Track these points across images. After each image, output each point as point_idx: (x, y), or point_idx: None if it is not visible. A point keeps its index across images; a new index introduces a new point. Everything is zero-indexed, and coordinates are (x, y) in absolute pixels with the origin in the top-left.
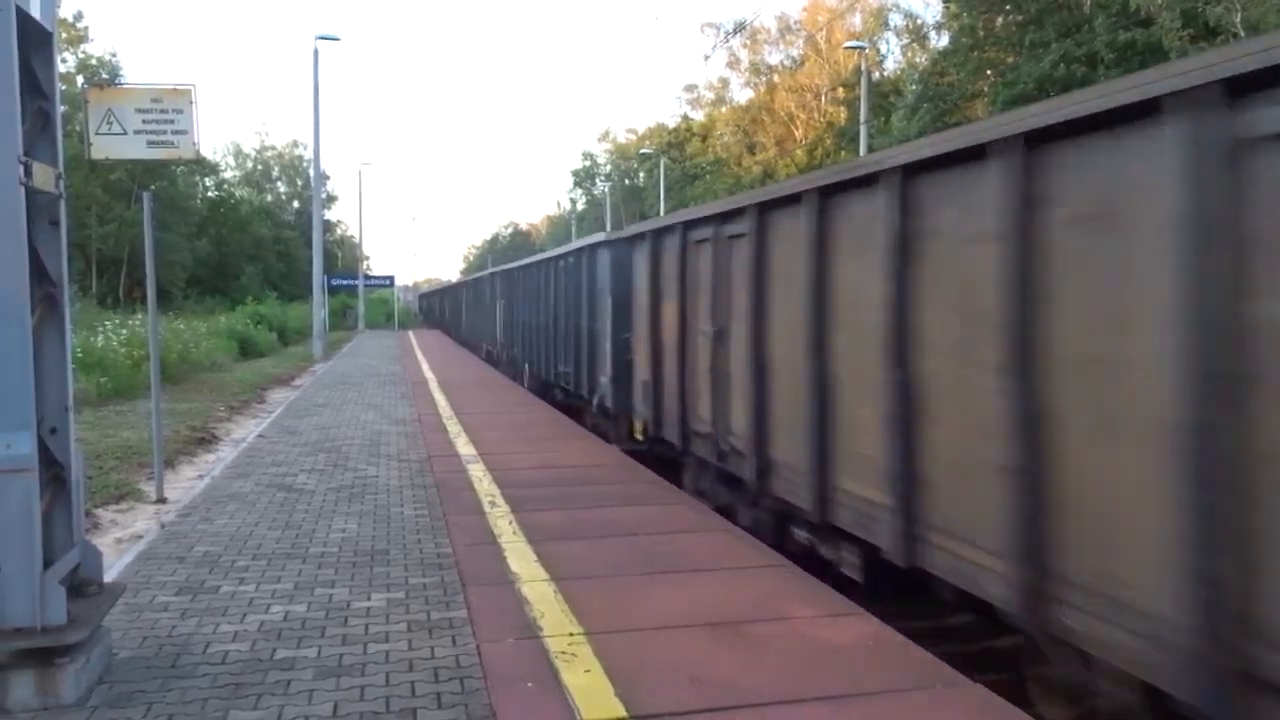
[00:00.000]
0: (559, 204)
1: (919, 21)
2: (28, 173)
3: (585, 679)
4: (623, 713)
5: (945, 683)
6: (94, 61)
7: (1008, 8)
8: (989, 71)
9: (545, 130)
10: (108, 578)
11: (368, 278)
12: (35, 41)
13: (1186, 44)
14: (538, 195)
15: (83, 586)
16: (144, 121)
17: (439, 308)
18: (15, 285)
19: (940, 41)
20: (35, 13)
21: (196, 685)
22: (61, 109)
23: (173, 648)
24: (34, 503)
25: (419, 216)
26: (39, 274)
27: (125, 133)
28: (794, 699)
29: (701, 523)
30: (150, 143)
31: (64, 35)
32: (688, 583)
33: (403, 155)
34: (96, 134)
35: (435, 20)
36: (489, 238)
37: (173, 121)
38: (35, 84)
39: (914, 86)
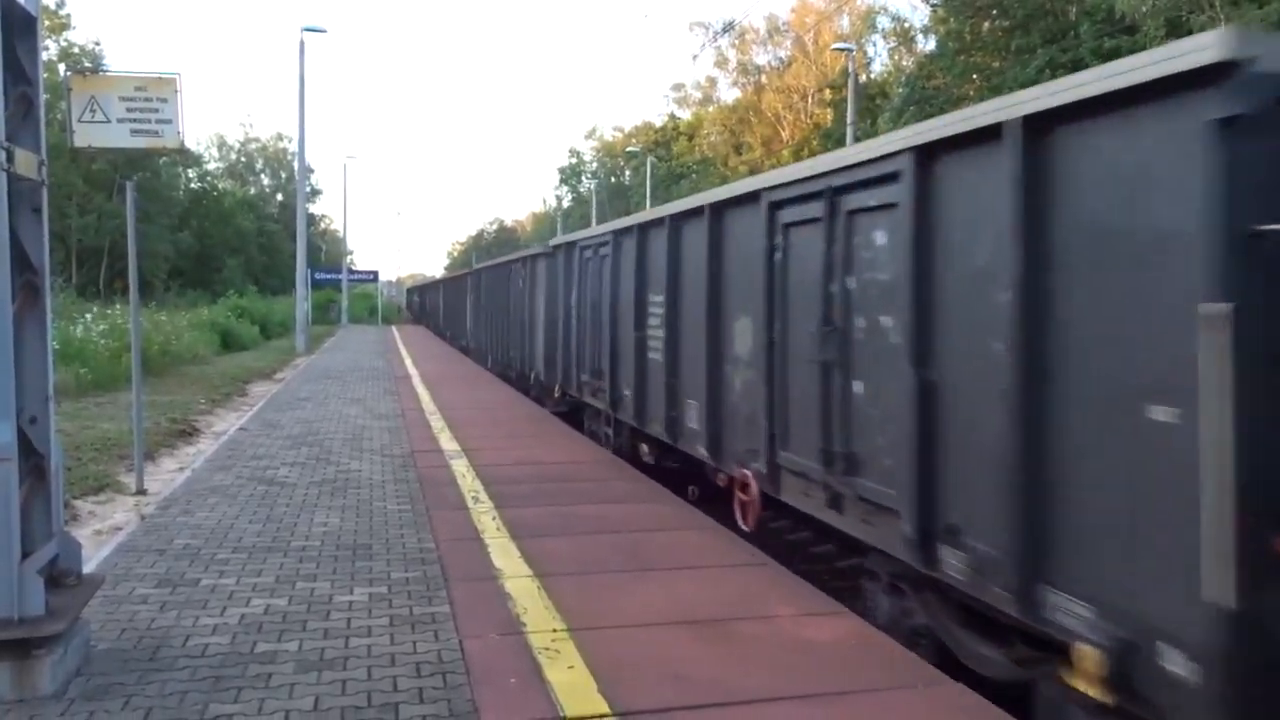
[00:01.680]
0: (545, 201)
1: (906, 25)
2: (10, 159)
3: (568, 675)
4: (606, 709)
5: (927, 681)
6: (76, 49)
7: (994, 13)
8: (975, 76)
9: (532, 127)
10: (86, 569)
11: (351, 272)
12: (19, 25)
13: None
14: (523, 192)
15: (61, 578)
16: (128, 110)
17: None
18: None
19: (927, 45)
20: None
21: (175, 678)
22: (43, 96)
23: (152, 640)
24: (12, 492)
25: (403, 212)
26: (20, 262)
27: (109, 121)
28: (777, 697)
29: (684, 521)
30: (134, 131)
31: (46, 22)
32: (671, 580)
33: (388, 150)
34: (79, 122)
35: (423, 14)
36: (474, 234)
37: (157, 110)
38: (18, 69)
39: (901, 89)
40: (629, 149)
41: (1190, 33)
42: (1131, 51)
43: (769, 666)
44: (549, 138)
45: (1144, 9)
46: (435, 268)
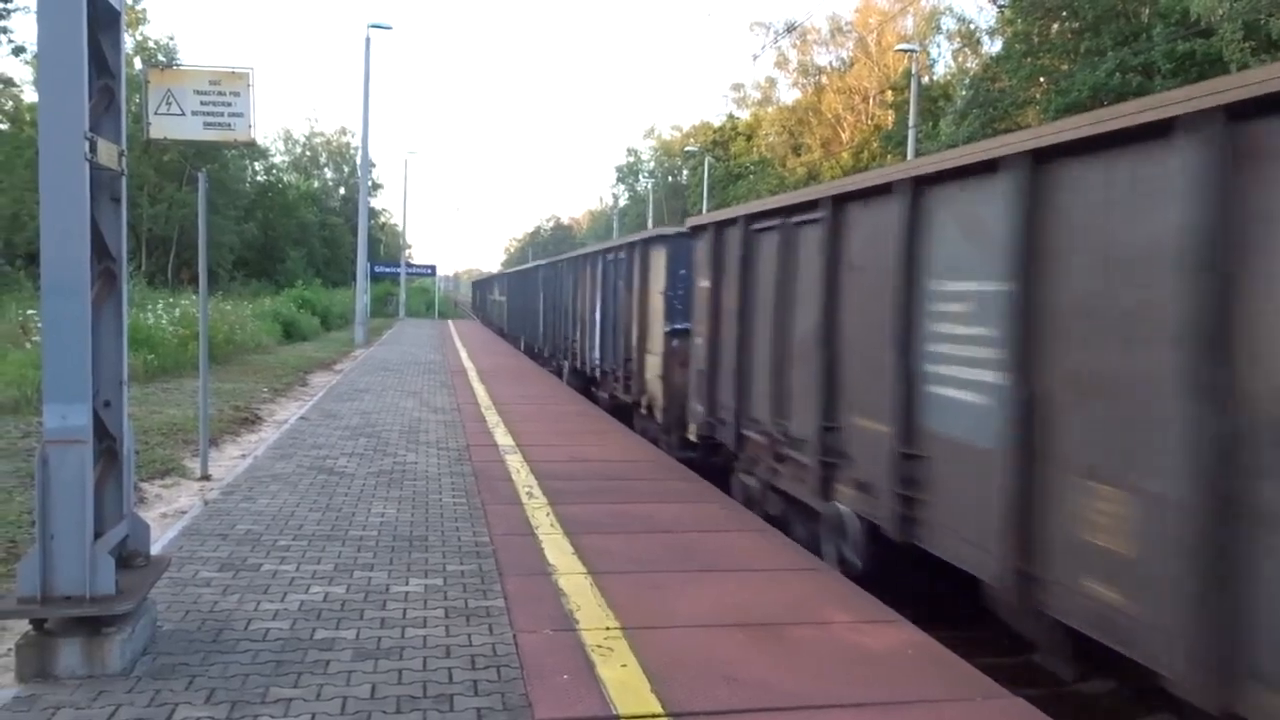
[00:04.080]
0: (601, 199)
1: (971, 26)
2: (92, 149)
3: (621, 674)
4: (659, 709)
5: (985, 694)
6: (151, 44)
7: (1064, 14)
8: (1042, 79)
9: (590, 125)
10: (153, 551)
11: (410, 266)
12: (103, 20)
13: (1248, 56)
14: (580, 190)
15: (130, 558)
16: (202, 103)
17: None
18: (77, 259)
19: (993, 47)
20: None
21: (238, 660)
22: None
23: (215, 623)
24: (87, 474)
25: (462, 207)
26: (99, 249)
27: (183, 114)
28: (831, 704)
29: (737, 522)
30: (207, 124)
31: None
32: (724, 582)
33: (448, 145)
34: (155, 114)
35: (485, 12)
36: (530, 231)
37: (230, 104)
38: (102, 62)
39: (964, 92)
40: (687, 148)
41: (1269, 36)
42: (1206, 55)
43: (822, 673)
44: (607, 136)
45: (1220, 11)
46: (492, 263)
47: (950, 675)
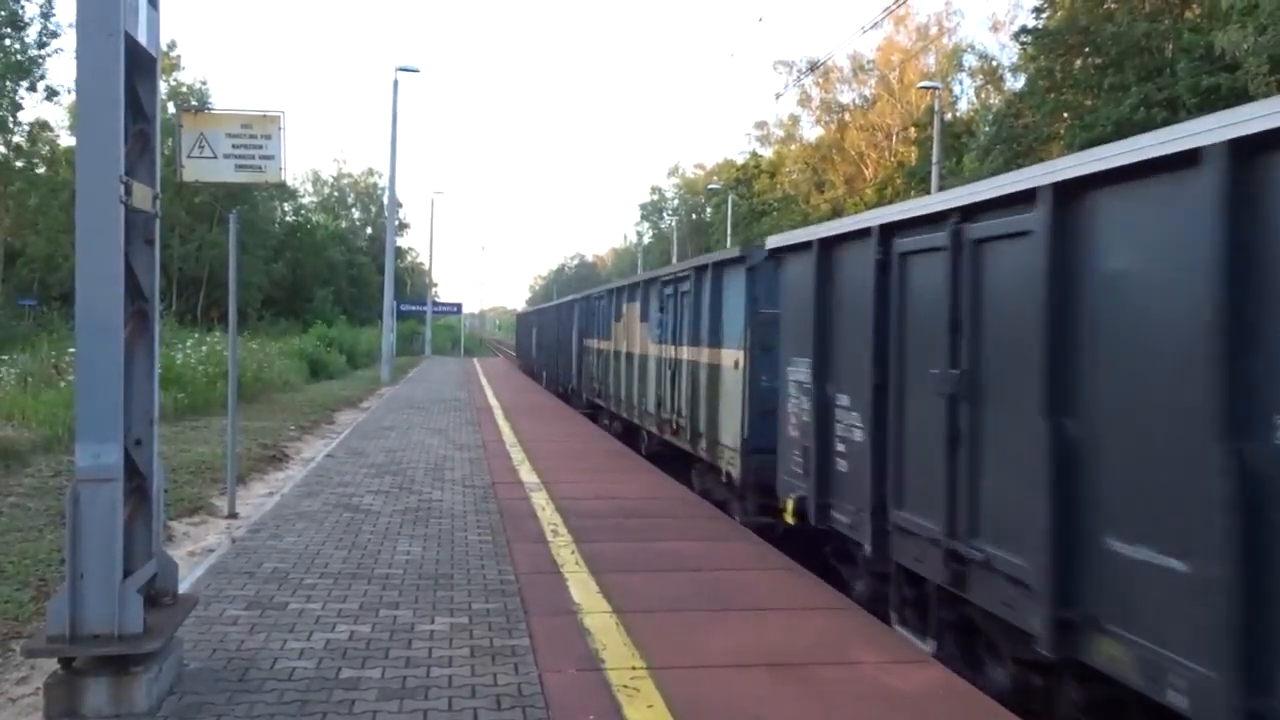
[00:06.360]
0: (625, 237)
1: (994, 63)
2: (128, 192)
3: (648, 714)
4: None
5: None
6: (184, 89)
7: (1087, 50)
8: (1066, 114)
9: (614, 164)
10: (181, 589)
11: (436, 304)
12: (140, 66)
13: (1274, 89)
14: (604, 228)
15: (158, 597)
16: (234, 146)
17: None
18: (111, 300)
19: (1016, 83)
20: (142, 38)
21: (263, 700)
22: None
23: (241, 662)
24: (118, 512)
25: (488, 246)
26: (132, 290)
27: (215, 157)
28: None
29: (764, 561)
30: (239, 167)
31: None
32: (751, 621)
33: (474, 185)
34: (188, 157)
35: (511, 53)
36: (555, 268)
37: (261, 147)
38: (138, 107)
39: (988, 128)
40: (710, 186)
41: None
42: (1232, 90)
43: (851, 714)
44: (632, 175)
45: (1245, 46)
46: (517, 301)
47: (981, 717)
